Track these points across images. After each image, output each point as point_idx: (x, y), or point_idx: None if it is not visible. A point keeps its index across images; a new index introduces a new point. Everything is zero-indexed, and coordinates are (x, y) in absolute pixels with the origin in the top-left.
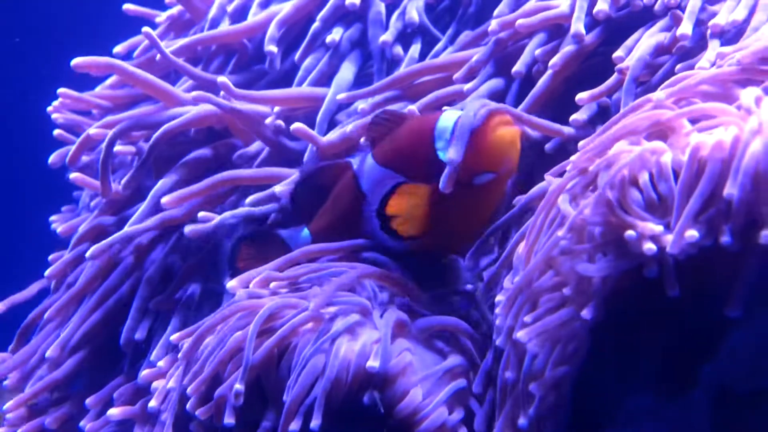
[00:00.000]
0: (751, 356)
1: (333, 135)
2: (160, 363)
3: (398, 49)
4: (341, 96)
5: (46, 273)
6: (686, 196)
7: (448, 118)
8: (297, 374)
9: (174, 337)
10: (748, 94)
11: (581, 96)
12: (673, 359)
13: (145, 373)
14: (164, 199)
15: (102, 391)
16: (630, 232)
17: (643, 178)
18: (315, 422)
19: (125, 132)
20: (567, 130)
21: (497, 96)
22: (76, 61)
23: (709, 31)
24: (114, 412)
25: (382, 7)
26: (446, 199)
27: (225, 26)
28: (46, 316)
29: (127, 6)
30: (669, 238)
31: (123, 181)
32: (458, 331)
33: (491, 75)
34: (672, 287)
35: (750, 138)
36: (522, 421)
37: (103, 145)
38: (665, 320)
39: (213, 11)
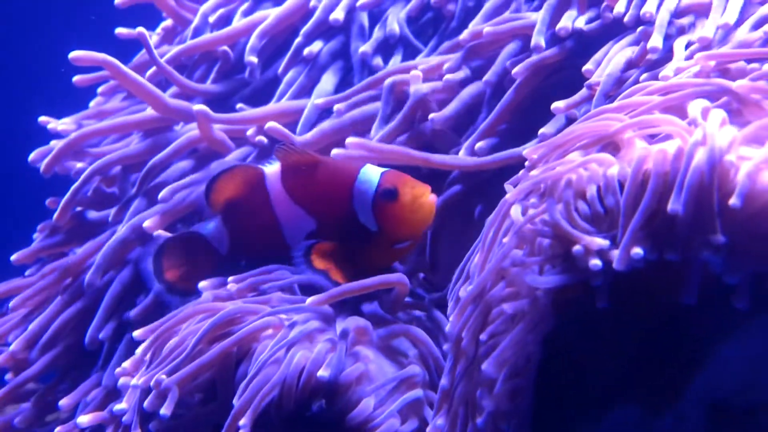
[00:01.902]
0: (747, 371)
1: (309, 134)
2: (125, 364)
3: (378, 60)
4: (319, 100)
5: (13, 257)
6: (631, 210)
7: (368, 175)
8: (249, 379)
9: (137, 333)
10: (695, 106)
11: (557, 105)
12: (652, 371)
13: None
14: (146, 223)
15: (75, 393)
16: (577, 247)
17: (591, 191)
18: (243, 421)
19: (105, 169)
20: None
21: (473, 102)
22: (73, 55)
23: (696, 45)
24: (83, 420)
25: (365, 20)
26: (365, 257)
27: (207, 34)
28: (11, 304)
29: (119, 30)
30: (615, 253)
31: (112, 213)
32: (418, 342)
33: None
34: (602, 301)
35: (693, 150)
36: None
37: (81, 178)
38: (636, 330)
39: (196, 21)
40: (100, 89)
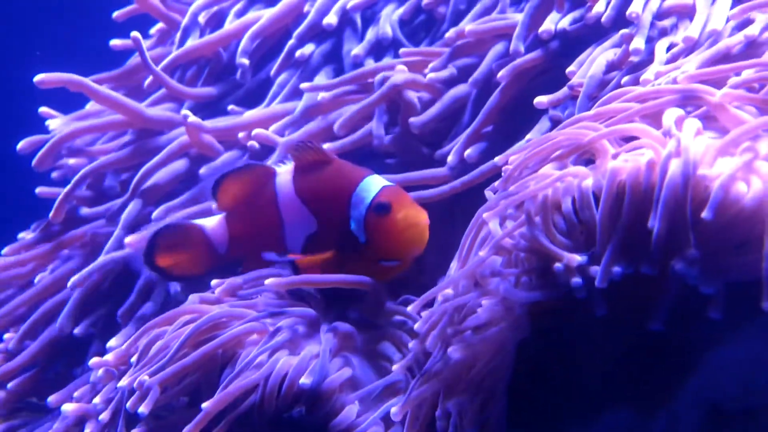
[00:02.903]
0: (743, 375)
1: (295, 134)
2: (108, 357)
3: (370, 63)
4: (305, 85)
5: (3, 251)
6: (607, 223)
7: (369, 185)
8: (227, 383)
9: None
10: (669, 116)
11: (540, 99)
12: (643, 374)
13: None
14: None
15: (63, 391)
16: (557, 264)
17: (566, 204)
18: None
19: (97, 171)
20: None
21: (457, 104)
22: (38, 78)
23: (680, 46)
24: (68, 408)
25: (358, 22)
26: (351, 266)
27: (198, 37)
28: None
29: (113, 42)
30: (595, 268)
31: (107, 216)
32: (404, 347)
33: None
34: (600, 310)
35: (667, 163)
36: None
37: (73, 180)
38: (623, 335)
39: (185, 21)
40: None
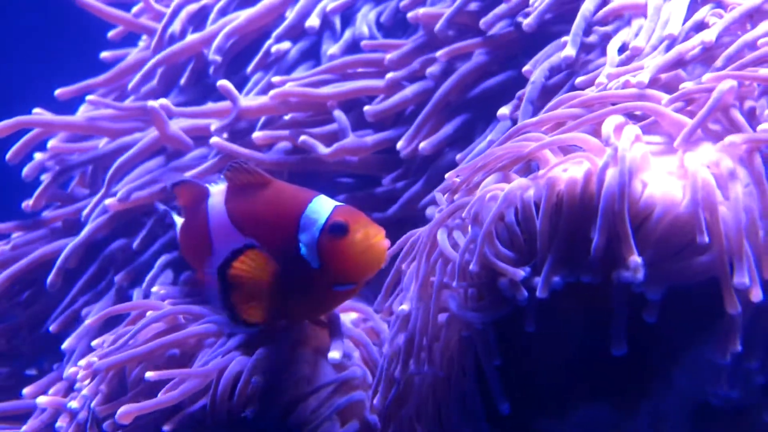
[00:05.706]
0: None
1: (252, 101)
2: (81, 362)
3: None
4: (276, 78)
5: None
6: (546, 234)
7: (319, 207)
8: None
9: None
10: (608, 123)
11: (503, 111)
12: (622, 370)
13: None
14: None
15: (39, 383)
16: (503, 280)
17: (509, 215)
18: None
19: (75, 168)
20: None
21: (424, 95)
22: None
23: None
24: (42, 400)
25: (337, 22)
26: (296, 291)
27: (178, 36)
28: None
29: (104, 54)
30: (537, 279)
31: (84, 213)
32: (360, 344)
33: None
34: (530, 326)
35: (603, 173)
36: None
37: (56, 171)
38: (598, 331)
39: (164, 21)
40: (88, 98)
